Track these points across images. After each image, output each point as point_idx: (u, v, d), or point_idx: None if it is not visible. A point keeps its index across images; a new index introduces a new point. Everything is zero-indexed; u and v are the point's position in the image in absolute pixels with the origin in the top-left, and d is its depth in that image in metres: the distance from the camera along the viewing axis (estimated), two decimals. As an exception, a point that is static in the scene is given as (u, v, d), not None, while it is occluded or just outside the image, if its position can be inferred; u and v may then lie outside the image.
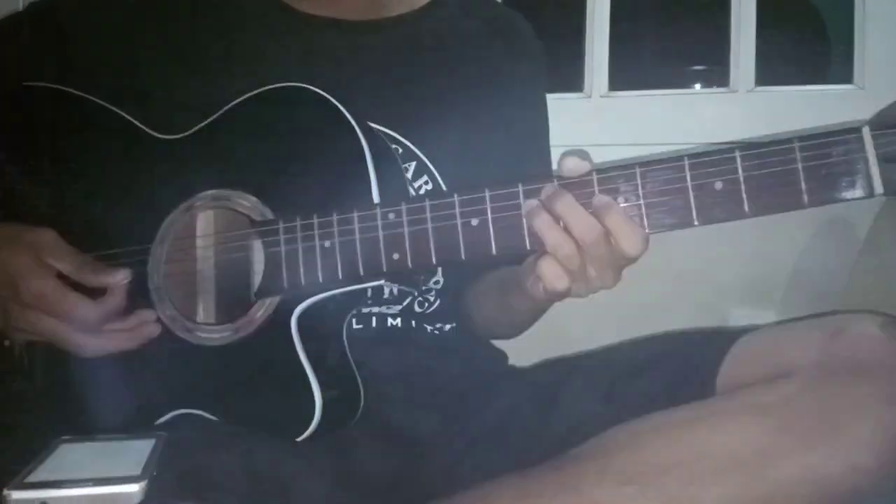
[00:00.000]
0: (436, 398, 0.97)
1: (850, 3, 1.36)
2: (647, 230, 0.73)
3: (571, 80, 1.43)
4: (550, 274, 0.74)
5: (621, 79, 1.44)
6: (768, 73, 1.40)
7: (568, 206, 0.73)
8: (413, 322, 0.99)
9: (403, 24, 1.04)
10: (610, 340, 1.00)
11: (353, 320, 0.95)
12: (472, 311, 1.06)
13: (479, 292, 1.04)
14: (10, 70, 1.01)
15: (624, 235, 0.72)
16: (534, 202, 0.75)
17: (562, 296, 0.77)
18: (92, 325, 0.84)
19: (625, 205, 0.73)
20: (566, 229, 0.73)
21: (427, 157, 0.99)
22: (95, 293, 0.85)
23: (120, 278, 0.86)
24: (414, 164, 0.98)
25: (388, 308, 0.98)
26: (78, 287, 0.85)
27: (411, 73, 1.02)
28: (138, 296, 0.88)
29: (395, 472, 0.90)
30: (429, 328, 1.01)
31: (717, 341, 0.85)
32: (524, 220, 0.76)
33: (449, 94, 1.03)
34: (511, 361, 1.10)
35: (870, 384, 0.71)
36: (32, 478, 0.67)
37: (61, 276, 0.85)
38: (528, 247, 0.76)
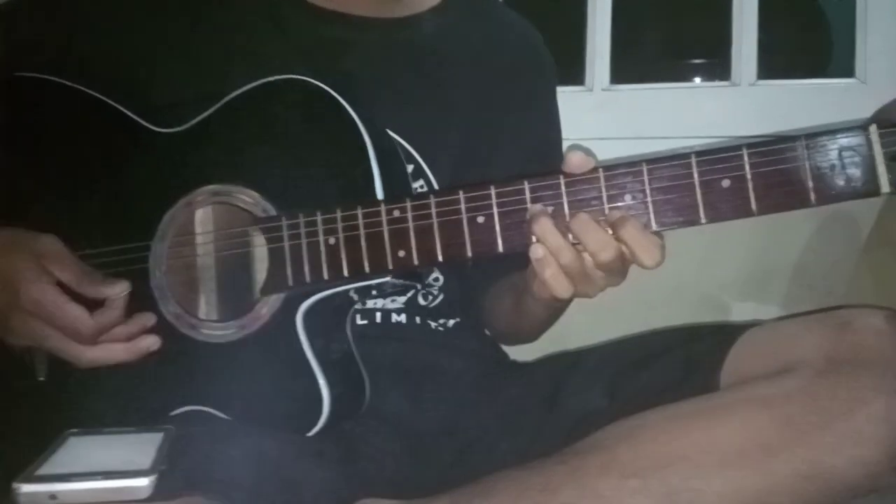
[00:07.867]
0: (440, 393, 0.97)
1: (852, -3, 1.37)
2: (654, 227, 0.73)
3: (573, 73, 1.43)
4: (552, 280, 0.75)
5: (623, 72, 1.44)
6: (770, 66, 1.40)
7: (583, 224, 0.73)
8: (417, 318, 0.99)
9: (412, 25, 1.02)
10: (613, 335, 1.01)
11: (357, 316, 0.95)
12: (492, 320, 1.06)
13: (495, 300, 1.04)
14: (5, 57, 0.99)
15: (641, 248, 0.72)
16: (538, 207, 0.75)
17: (567, 298, 0.77)
18: (88, 338, 0.83)
19: (632, 202, 0.73)
20: (580, 246, 0.73)
21: (425, 161, 0.98)
22: (96, 303, 0.84)
23: (118, 290, 0.84)
24: (411, 167, 0.97)
25: (392, 301, 0.98)
26: (79, 296, 0.83)
27: (416, 74, 1.00)
28: (139, 293, 0.86)
29: (401, 466, 0.90)
30: (433, 324, 1.00)
31: (720, 336, 0.85)
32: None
33: (453, 100, 1.02)
34: (514, 357, 1.10)
35: (874, 378, 0.71)
36: (41, 471, 0.67)
37: (62, 285, 0.83)
38: None
